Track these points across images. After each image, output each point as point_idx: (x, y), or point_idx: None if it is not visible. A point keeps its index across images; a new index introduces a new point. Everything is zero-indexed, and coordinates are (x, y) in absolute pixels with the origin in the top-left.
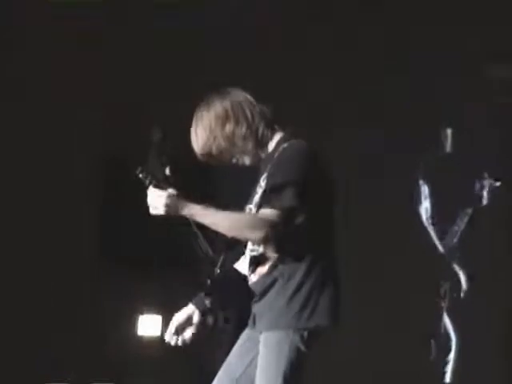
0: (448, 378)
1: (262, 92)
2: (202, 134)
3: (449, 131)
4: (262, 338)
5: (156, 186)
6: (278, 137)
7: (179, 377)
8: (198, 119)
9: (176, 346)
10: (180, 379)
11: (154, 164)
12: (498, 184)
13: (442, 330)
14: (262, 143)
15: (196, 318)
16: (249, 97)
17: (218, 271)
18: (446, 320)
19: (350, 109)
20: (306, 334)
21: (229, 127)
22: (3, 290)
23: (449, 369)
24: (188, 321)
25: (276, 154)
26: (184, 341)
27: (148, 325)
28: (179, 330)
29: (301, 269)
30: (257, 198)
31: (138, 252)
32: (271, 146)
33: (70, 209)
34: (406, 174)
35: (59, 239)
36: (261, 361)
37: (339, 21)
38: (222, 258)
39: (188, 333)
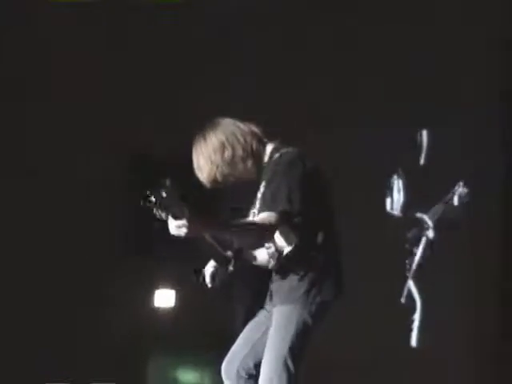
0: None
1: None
2: (204, 166)
3: (424, 133)
4: (275, 310)
5: (174, 217)
6: (270, 148)
7: (191, 343)
8: (198, 154)
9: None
10: (192, 346)
11: (169, 200)
12: (465, 191)
13: (406, 293)
14: (258, 158)
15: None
16: (237, 123)
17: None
18: (411, 285)
19: (331, 109)
20: (313, 308)
21: (227, 154)
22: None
23: (414, 332)
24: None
25: (271, 164)
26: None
27: (163, 298)
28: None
29: (309, 255)
30: (257, 203)
31: (155, 236)
32: (266, 157)
33: (96, 198)
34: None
35: (86, 225)
36: (272, 329)
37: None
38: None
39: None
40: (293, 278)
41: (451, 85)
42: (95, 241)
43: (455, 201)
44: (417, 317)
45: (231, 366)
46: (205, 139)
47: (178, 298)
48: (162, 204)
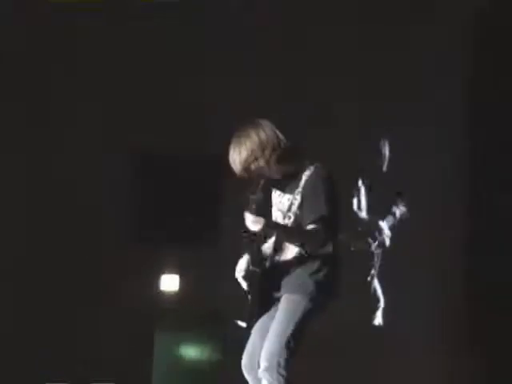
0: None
1: None
2: (244, 154)
3: (386, 142)
4: (284, 297)
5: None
6: (298, 158)
7: (194, 323)
8: (240, 144)
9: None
10: (194, 325)
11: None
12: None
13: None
14: (288, 164)
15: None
16: (274, 127)
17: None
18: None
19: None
20: (318, 301)
21: (267, 152)
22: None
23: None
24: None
25: (304, 175)
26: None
27: (168, 282)
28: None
29: (321, 255)
30: (289, 205)
31: (162, 227)
32: (294, 165)
33: (110, 191)
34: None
35: (97, 216)
36: (279, 313)
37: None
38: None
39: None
40: (305, 273)
41: (414, 93)
42: (106, 231)
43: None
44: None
45: (252, 359)
46: (248, 135)
47: (182, 283)
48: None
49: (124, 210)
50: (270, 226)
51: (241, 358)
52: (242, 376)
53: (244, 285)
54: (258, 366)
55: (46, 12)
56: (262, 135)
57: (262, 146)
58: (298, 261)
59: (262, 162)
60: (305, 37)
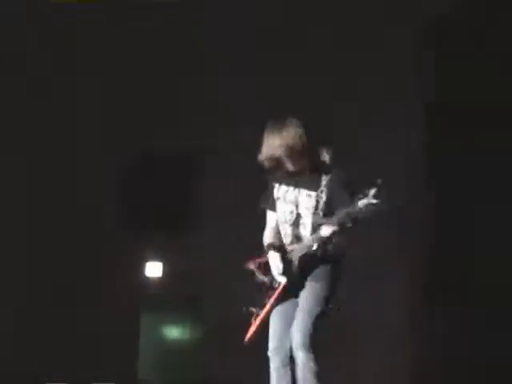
0: None
1: None
2: (279, 142)
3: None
4: (309, 285)
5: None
6: (317, 159)
7: (176, 306)
8: (274, 137)
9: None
10: (176, 308)
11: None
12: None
13: None
14: (314, 161)
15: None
16: (302, 126)
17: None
18: None
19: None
20: (336, 287)
21: (299, 146)
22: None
23: None
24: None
25: (324, 175)
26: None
27: (152, 269)
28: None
29: (336, 249)
30: (316, 202)
31: (147, 218)
32: (312, 164)
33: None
34: None
35: (87, 209)
36: (307, 296)
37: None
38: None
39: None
40: (326, 264)
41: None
42: (96, 223)
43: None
44: None
45: (283, 342)
46: (286, 128)
47: (165, 269)
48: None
49: (113, 204)
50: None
51: (219, 337)
52: (220, 351)
53: (280, 279)
54: (289, 350)
55: (46, 12)
56: (295, 131)
57: (299, 140)
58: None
59: (294, 153)
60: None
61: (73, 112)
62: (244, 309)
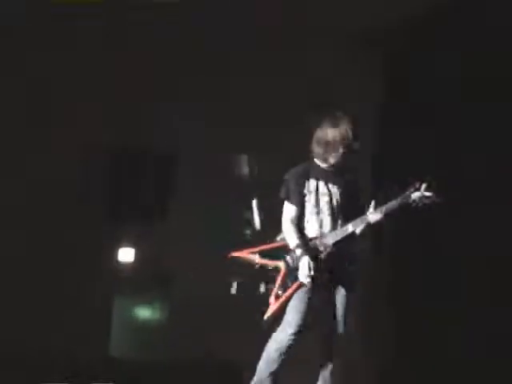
0: None
1: None
2: (331, 141)
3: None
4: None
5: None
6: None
7: (147, 289)
8: (337, 126)
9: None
10: (147, 291)
11: None
12: None
13: None
14: (344, 159)
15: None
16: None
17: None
18: None
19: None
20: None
21: (347, 142)
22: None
23: None
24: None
25: (344, 172)
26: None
27: (125, 254)
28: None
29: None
30: (343, 198)
31: (121, 208)
32: (346, 162)
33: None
34: None
35: (65, 197)
36: (346, 297)
37: None
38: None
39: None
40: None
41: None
42: (76, 211)
43: None
44: None
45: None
46: (337, 125)
47: (136, 254)
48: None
49: (89, 194)
50: None
51: (187, 316)
52: (184, 329)
53: (306, 281)
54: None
55: (47, 12)
56: (348, 127)
57: (345, 137)
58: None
59: (341, 148)
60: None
61: (73, 110)
62: (263, 287)
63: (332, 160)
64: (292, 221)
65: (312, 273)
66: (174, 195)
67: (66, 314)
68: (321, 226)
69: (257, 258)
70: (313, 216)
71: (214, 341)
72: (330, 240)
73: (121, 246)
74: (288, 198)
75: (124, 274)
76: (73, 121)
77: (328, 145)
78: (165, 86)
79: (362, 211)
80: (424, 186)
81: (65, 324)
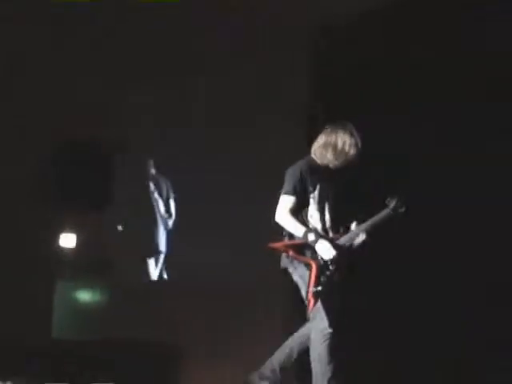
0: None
1: None
2: (351, 141)
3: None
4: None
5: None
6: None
7: (88, 273)
8: (351, 133)
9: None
10: (88, 275)
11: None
12: None
13: None
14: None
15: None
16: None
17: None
18: None
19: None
20: None
21: (355, 150)
22: None
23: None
24: None
25: (345, 172)
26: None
27: (67, 240)
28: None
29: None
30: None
31: (62, 196)
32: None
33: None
34: None
35: (5, 184)
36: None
37: None
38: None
39: None
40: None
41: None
42: (16, 196)
43: None
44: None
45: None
46: (350, 132)
47: (78, 240)
48: None
49: (33, 180)
50: None
51: (124, 300)
52: (124, 312)
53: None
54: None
55: (47, 12)
56: (357, 136)
57: (359, 144)
58: None
59: (351, 154)
60: None
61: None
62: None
63: (336, 164)
64: (289, 211)
65: (333, 250)
66: (117, 183)
67: (8, 299)
68: (323, 223)
69: (291, 252)
70: (316, 212)
71: (153, 324)
72: (344, 242)
73: (62, 232)
74: (288, 192)
75: (65, 259)
76: (18, 108)
77: (340, 151)
78: (113, 76)
79: (361, 213)
80: (396, 202)
81: (8, 308)
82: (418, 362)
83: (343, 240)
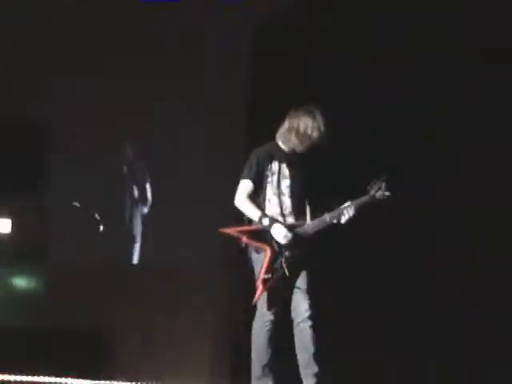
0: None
1: None
2: (312, 124)
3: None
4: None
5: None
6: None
7: (24, 259)
8: (313, 116)
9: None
10: (25, 261)
11: None
12: None
13: None
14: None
15: None
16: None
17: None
18: None
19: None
20: None
21: (324, 133)
22: None
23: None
24: None
25: (307, 158)
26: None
27: (1, 225)
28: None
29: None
30: (308, 183)
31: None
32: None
33: None
34: None
35: None
36: (306, 279)
37: None
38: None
39: None
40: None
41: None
42: None
43: None
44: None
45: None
46: (315, 117)
47: (14, 226)
48: None
49: None
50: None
51: (61, 287)
52: (61, 298)
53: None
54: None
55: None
56: (322, 118)
57: (323, 127)
58: None
59: (314, 137)
60: None
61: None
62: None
63: (301, 148)
64: (247, 196)
65: (289, 234)
66: (52, 167)
67: None
68: (281, 208)
69: (244, 238)
70: (274, 197)
71: (90, 311)
72: (310, 229)
73: None
74: (245, 177)
75: (1, 244)
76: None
77: (303, 134)
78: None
79: (323, 198)
80: (384, 185)
81: None
82: (376, 351)
83: (330, 216)
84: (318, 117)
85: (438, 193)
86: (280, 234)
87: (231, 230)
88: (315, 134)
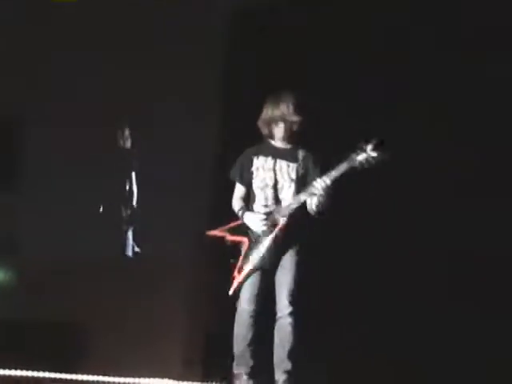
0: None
1: None
2: (278, 113)
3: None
4: (290, 256)
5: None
6: (297, 134)
7: None
8: (278, 105)
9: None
10: None
11: None
12: None
13: None
14: (294, 136)
15: None
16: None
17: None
18: None
19: None
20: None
21: (295, 120)
22: None
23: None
24: None
25: (301, 150)
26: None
27: None
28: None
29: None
30: (296, 173)
31: None
32: (295, 140)
33: None
34: None
35: None
36: (291, 267)
37: None
38: None
39: None
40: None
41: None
42: None
43: None
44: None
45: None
46: (278, 102)
47: None
48: None
49: None
50: None
51: (35, 280)
52: (32, 292)
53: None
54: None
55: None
56: (292, 105)
57: (291, 115)
58: None
59: (284, 127)
60: None
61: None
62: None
63: (276, 135)
64: (239, 198)
65: (262, 220)
66: (24, 163)
67: None
68: (266, 199)
69: (227, 235)
70: (258, 190)
71: (61, 304)
72: (286, 211)
73: None
74: (236, 178)
75: None
76: None
77: (270, 122)
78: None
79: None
80: (369, 146)
81: None
82: (361, 340)
83: (304, 193)
84: (284, 101)
85: (437, 193)
86: (252, 222)
87: (217, 232)
88: (280, 118)
